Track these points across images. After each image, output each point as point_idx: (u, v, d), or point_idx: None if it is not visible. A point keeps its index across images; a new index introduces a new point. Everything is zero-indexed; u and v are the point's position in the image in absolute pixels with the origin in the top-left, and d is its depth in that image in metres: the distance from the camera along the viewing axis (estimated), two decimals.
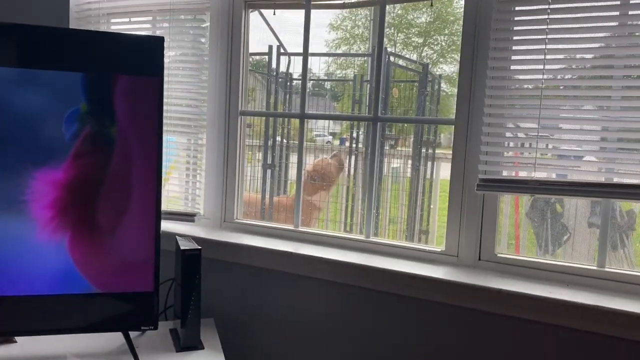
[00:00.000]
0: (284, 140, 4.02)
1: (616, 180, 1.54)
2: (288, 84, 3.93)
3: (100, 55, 1.53)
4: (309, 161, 3.92)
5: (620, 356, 1.47)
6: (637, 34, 1.49)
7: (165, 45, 1.58)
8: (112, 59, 1.54)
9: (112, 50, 1.55)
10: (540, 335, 1.55)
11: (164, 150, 2.05)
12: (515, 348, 1.59)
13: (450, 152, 1.73)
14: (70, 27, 2.26)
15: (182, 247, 1.70)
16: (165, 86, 2.05)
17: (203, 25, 2.08)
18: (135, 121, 1.56)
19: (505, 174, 1.66)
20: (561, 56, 1.58)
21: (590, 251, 3.61)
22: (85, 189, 1.54)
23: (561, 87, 1.65)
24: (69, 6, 2.28)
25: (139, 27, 2.20)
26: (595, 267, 1.60)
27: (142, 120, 1.56)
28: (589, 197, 1.57)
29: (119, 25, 2.24)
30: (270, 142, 3.89)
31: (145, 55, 1.56)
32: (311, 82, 4.96)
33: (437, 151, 4.05)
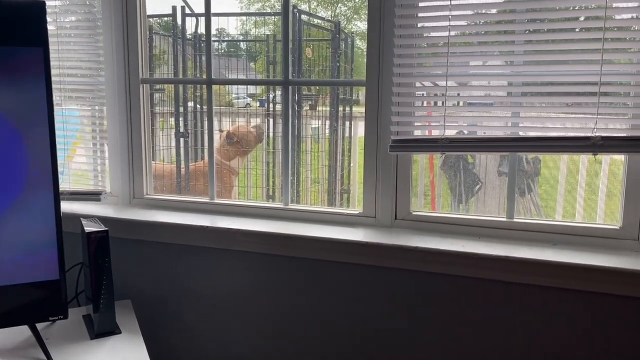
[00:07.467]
0: (198, 106, 3.85)
1: (522, 134, 1.59)
2: (197, 45, 3.74)
3: None
4: (228, 126, 3.80)
5: (526, 301, 1.55)
6: None
7: (51, 10, 1.42)
8: None
9: None
10: (456, 287, 1.60)
11: (62, 124, 1.92)
12: (433, 303, 1.63)
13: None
14: None
15: (87, 230, 1.59)
16: (57, 55, 1.90)
17: None
18: (18, 96, 1.41)
19: (417, 133, 1.67)
20: (467, 12, 1.58)
21: (502, 199, 3.80)
22: None
23: (466, 33, 1.64)
24: None
25: None
26: (505, 219, 1.66)
27: (27, 94, 1.41)
28: (496, 152, 1.61)
29: None
30: (182, 109, 3.71)
31: (23, 23, 1.40)
32: (224, 43, 4.76)
33: (354, 109, 4.06)
